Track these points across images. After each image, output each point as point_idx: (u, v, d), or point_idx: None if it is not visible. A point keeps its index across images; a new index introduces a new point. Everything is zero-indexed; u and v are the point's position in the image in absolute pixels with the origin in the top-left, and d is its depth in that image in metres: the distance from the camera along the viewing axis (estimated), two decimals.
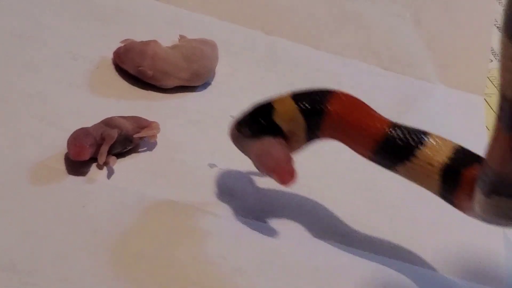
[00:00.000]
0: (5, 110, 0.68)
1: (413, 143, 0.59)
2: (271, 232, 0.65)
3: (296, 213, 0.67)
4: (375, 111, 0.62)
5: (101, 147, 0.65)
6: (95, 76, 0.75)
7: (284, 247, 0.64)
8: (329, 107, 0.61)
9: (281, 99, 0.63)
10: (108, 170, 0.66)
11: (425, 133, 0.60)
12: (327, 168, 0.74)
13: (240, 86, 0.80)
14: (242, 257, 0.62)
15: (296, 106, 0.62)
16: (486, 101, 0.88)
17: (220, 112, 0.76)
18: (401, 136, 0.60)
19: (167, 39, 0.79)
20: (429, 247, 0.68)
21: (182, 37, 0.80)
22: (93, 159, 0.65)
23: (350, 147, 0.62)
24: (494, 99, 0.88)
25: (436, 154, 0.59)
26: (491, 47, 0.93)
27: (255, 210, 0.67)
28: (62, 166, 0.65)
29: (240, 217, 0.65)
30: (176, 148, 0.70)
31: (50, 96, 0.71)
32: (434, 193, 0.60)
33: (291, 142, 0.63)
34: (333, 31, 0.90)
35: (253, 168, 0.68)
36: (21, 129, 0.67)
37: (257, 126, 0.63)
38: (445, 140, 0.60)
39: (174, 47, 0.77)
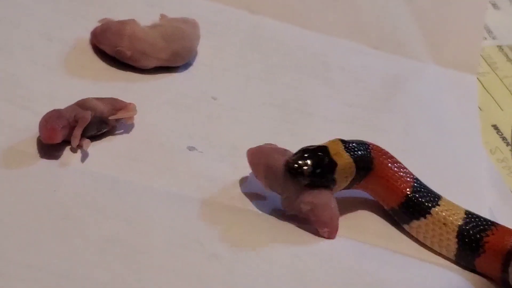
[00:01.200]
0: None
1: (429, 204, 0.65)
2: (248, 217, 0.63)
3: (275, 196, 0.65)
4: (402, 168, 0.66)
5: (74, 129, 0.63)
6: (71, 57, 0.73)
7: (264, 232, 0.62)
8: (375, 166, 0.65)
9: (340, 154, 0.63)
10: (82, 153, 0.64)
11: (439, 197, 0.66)
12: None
13: (223, 67, 0.78)
14: (219, 242, 0.60)
15: (354, 164, 0.64)
16: (479, 80, 0.86)
17: (201, 93, 0.74)
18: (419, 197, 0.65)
19: (147, 18, 0.77)
20: None
21: (163, 17, 0.78)
22: (67, 142, 0.63)
23: (376, 198, 0.67)
24: (487, 78, 0.86)
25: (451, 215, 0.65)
26: (485, 25, 0.91)
27: (234, 194, 0.65)
28: (34, 149, 0.63)
29: (218, 201, 0.63)
30: (154, 131, 0.68)
31: (23, 79, 0.69)
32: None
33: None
34: (320, 9, 0.87)
35: (233, 152, 0.66)
36: None
37: (319, 180, 0.62)
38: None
39: (153, 26, 0.75)
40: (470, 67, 0.87)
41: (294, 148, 0.69)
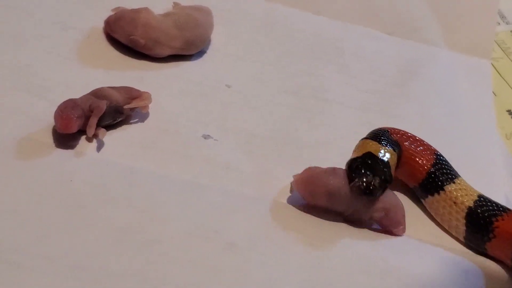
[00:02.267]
0: None
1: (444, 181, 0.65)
2: (266, 205, 0.63)
3: (288, 184, 0.65)
4: (423, 145, 0.67)
5: (89, 119, 0.63)
6: (85, 46, 0.73)
7: (280, 221, 0.62)
8: (401, 148, 0.66)
9: (383, 152, 0.64)
10: (97, 143, 0.64)
11: (457, 176, 0.66)
12: (328, 138, 0.71)
13: (237, 54, 0.78)
14: (235, 231, 0.60)
15: (395, 154, 0.65)
16: (493, 65, 0.85)
17: (215, 81, 0.73)
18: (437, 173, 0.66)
19: (160, 7, 0.77)
20: None
21: (176, 4, 0.78)
22: (82, 131, 0.63)
23: (401, 178, 0.67)
24: (501, 63, 0.86)
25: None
26: (498, 10, 0.90)
27: (249, 182, 0.64)
28: (49, 139, 0.63)
29: (234, 189, 0.63)
30: (169, 119, 0.68)
31: (38, 68, 0.69)
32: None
33: None
34: None
35: (249, 139, 0.66)
36: (8, 103, 0.65)
37: (386, 185, 0.63)
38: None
39: (166, 14, 0.75)
40: (484, 52, 0.86)
41: (309, 135, 0.70)
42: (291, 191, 0.64)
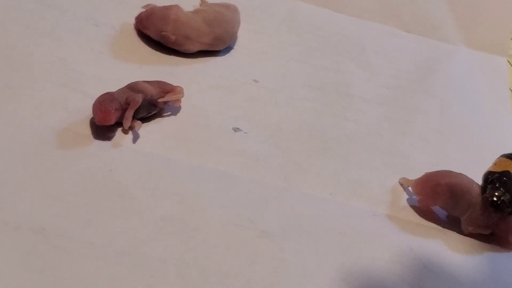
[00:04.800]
0: (28, 77, 0.68)
1: None
2: (297, 196, 0.65)
3: (321, 176, 0.67)
4: None
5: (126, 111, 0.65)
6: (118, 42, 0.75)
7: (310, 210, 0.64)
8: None
9: None
10: (133, 134, 0.66)
11: None
12: (352, 132, 0.73)
13: (262, 50, 0.80)
14: (269, 220, 0.61)
15: None
16: (509, 62, 0.88)
17: (243, 76, 0.75)
18: None
19: (188, 3, 0.79)
20: None
21: (203, 2, 0.80)
22: (119, 123, 0.65)
23: None
24: None
25: None
26: None
27: (279, 174, 0.66)
28: (88, 131, 0.65)
29: (267, 180, 0.65)
30: (200, 113, 0.70)
31: (72, 63, 0.71)
32: None
33: None
34: None
35: (276, 133, 0.68)
36: (45, 96, 0.67)
37: None
38: None
39: (196, 11, 0.77)
40: (500, 49, 0.89)
41: (334, 129, 0.72)
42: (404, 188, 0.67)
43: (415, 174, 0.68)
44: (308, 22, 0.85)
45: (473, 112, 0.80)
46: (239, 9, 0.79)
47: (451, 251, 0.64)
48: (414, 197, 0.67)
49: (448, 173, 0.66)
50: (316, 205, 0.64)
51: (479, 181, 0.66)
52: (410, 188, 0.67)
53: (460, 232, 0.65)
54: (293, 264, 0.59)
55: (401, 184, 0.68)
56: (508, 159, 0.67)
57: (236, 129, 0.70)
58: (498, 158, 0.68)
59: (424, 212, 0.66)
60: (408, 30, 0.88)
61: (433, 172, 0.66)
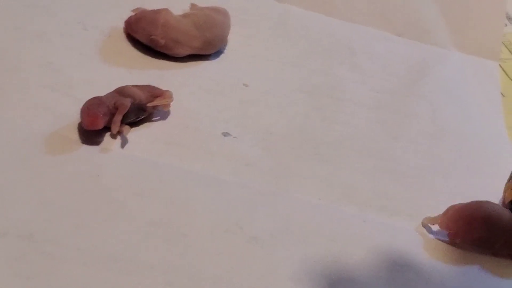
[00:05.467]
0: (17, 80, 0.68)
1: None
2: (286, 200, 0.64)
3: (312, 181, 0.67)
4: None
5: (114, 116, 0.64)
6: (107, 45, 0.74)
7: (300, 215, 0.63)
8: None
9: None
10: (121, 139, 0.65)
11: None
12: (343, 136, 0.73)
13: (253, 54, 0.79)
14: (258, 225, 0.61)
15: None
16: (501, 66, 0.87)
17: (233, 80, 0.75)
18: None
19: (178, 7, 0.78)
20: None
21: (193, 6, 0.79)
22: (107, 128, 0.65)
23: None
24: (509, 64, 0.88)
25: None
26: (506, 12, 0.92)
27: (269, 179, 0.66)
28: (75, 135, 0.64)
29: (257, 185, 0.65)
30: (190, 117, 0.70)
31: (61, 66, 0.70)
32: None
33: None
34: None
35: (266, 137, 0.68)
36: (33, 100, 0.66)
37: None
38: None
39: (185, 15, 0.76)
40: (492, 53, 0.88)
41: (325, 133, 0.71)
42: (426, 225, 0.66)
43: (407, 179, 0.69)
44: (299, 26, 0.85)
45: (465, 116, 0.80)
46: (230, 13, 0.79)
47: (444, 261, 0.63)
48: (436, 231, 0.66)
49: (479, 205, 0.64)
50: (306, 210, 0.64)
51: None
52: (433, 226, 0.65)
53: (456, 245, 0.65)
54: (282, 269, 0.58)
55: (425, 225, 0.66)
56: None
57: (225, 134, 0.69)
58: (506, 184, 0.69)
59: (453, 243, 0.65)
60: (399, 34, 0.88)
61: (461, 205, 0.64)
